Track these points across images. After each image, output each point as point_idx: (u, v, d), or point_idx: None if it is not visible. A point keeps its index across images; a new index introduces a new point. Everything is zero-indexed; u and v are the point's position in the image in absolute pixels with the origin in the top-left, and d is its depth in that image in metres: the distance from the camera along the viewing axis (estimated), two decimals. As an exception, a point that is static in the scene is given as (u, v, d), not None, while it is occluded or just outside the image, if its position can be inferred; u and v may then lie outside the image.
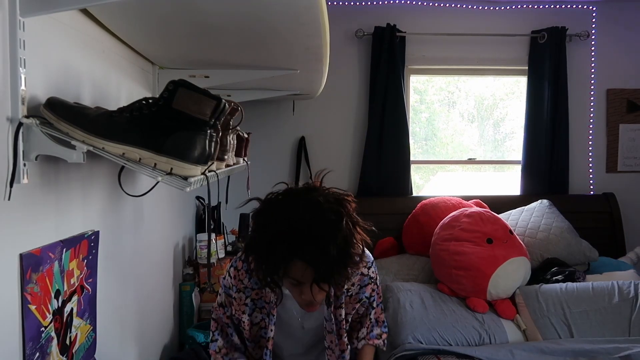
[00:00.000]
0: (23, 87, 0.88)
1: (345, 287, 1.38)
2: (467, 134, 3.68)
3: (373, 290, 1.47)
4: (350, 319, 1.46)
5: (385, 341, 1.55)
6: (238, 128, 1.54)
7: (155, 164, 0.94)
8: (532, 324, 2.32)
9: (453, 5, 3.23)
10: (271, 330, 1.39)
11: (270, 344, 1.40)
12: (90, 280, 1.20)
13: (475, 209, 2.68)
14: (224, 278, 1.44)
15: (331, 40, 1.62)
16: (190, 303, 2.29)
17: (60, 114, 0.92)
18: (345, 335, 1.44)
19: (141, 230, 1.71)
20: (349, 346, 1.45)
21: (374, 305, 1.50)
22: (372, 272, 1.45)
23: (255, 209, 1.25)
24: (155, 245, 1.92)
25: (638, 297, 2.33)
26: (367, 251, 1.41)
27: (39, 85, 0.96)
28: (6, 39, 0.85)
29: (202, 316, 2.38)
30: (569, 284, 2.47)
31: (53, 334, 1.02)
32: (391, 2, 3.21)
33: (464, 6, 3.24)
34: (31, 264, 0.92)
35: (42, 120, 0.91)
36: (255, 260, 1.24)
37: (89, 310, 1.21)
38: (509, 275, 2.43)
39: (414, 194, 3.27)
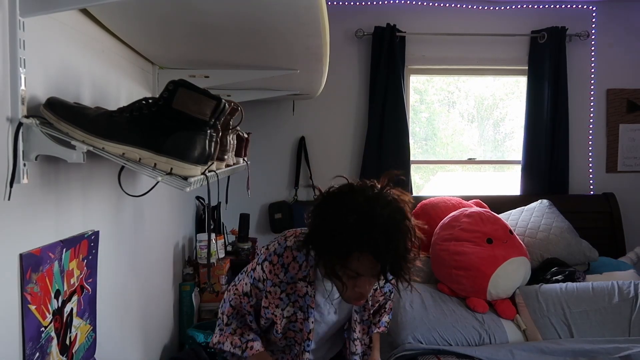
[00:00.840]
0: (23, 87, 0.88)
1: None
2: (467, 134, 3.68)
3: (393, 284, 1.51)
4: (372, 310, 1.54)
5: (388, 327, 1.65)
6: (238, 128, 1.54)
7: (155, 164, 0.94)
8: (532, 324, 2.32)
9: (453, 5, 3.24)
10: (312, 322, 1.42)
11: (312, 334, 1.43)
12: (90, 280, 1.20)
13: (475, 209, 2.68)
14: (254, 270, 1.44)
15: (331, 40, 1.62)
16: (190, 303, 2.29)
17: (60, 114, 0.92)
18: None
19: (141, 230, 1.71)
20: (367, 335, 1.54)
21: (391, 297, 1.60)
22: None
23: (316, 201, 1.28)
24: (155, 245, 1.92)
25: (638, 297, 2.33)
26: None
27: (39, 85, 0.96)
28: (6, 39, 0.85)
29: (202, 316, 2.38)
30: (569, 284, 2.47)
31: (53, 334, 1.02)
32: (391, 2, 3.21)
33: (464, 6, 3.24)
34: (31, 264, 0.92)
35: (42, 120, 0.91)
36: (319, 252, 1.26)
37: (89, 310, 1.21)
38: (509, 275, 2.43)
39: (414, 194, 3.27)
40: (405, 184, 3.16)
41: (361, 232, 1.16)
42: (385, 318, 1.63)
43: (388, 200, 1.21)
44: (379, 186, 1.26)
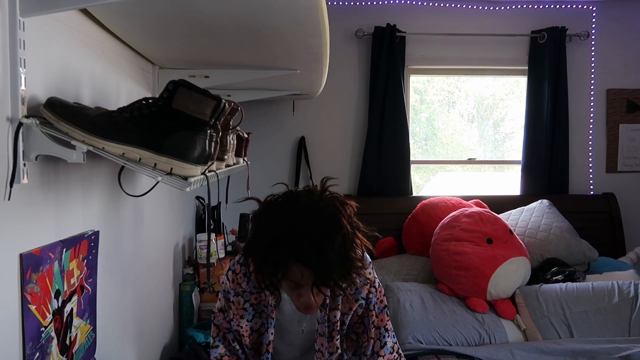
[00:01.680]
0: (23, 87, 0.88)
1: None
2: (467, 134, 3.68)
3: (370, 292, 1.42)
4: (347, 320, 1.42)
5: (400, 352, 1.49)
6: (238, 128, 1.54)
7: (155, 164, 0.94)
8: (532, 324, 2.32)
9: (453, 5, 3.24)
10: (271, 333, 1.38)
11: (271, 347, 1.39)
12: (90, 280, 1.20)
13: (475, 209, 2.68)
14: (223, 282, 1.42)
15: (331, 40, 1.62)
16: (190, 303, 2.29)
17: (60, 114, 0.92)
18: (338, 337, 1.40)
19: (141, 230, 1.71)
20: (338, 349, 1.41)
21: (372, 307, 1.43)
22: (369, 273, 1.40)
23: (254, 211, 1.24)
24: (155, 245, 1.92)
25: (638, 297, 2.33)
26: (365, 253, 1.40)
27: (39, 85, 0.96)
28: (6, 39, 0.85)
29: (202, 316, 2.38)
30: (569, 284, 2.47)
31: (53, 334, 1.02)
32: (391, 2, 3.21)
33: (464, 6, 3.24)
34: (31, 264, 0.92)
35: (42, 120, 0.91)
36: (254, 263, 1.23)
37: (89, 310, 1.21)
38: (509, 275, 2.43)
39: (414, 194, 3.27)
40: (403, 185, 3.16)
41: (290, 242, 1.12)
42: (390, 342, 1.44)
43: (320, 207, 1.16)
44: (317, 192, 1.20)
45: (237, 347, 1.43)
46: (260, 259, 1.19)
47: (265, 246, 1.16)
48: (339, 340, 1.40)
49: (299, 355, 1.50)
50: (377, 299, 1.44)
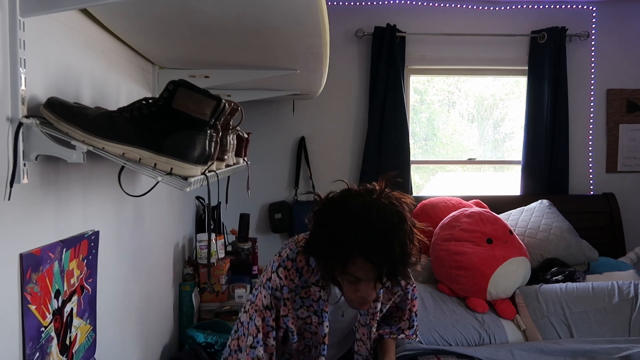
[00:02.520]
0: (23, 87, 0.88)
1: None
2: (467, 134, 3.68)
3: (408, 284, 1.51)
4: (385, 310, 1.52)
5: (417, 333, 1.62)
6: (238, 128, 1.54)
7: (155, 164, 0.94)
8: (532, 324, 2.32)
9: (453, 5, 3.24)
10: (326, 326, 1.42)
11: (327, 339, 1.43)
12: (90, 280, 1.20)
13: (475, 209, 2.68)
14: (269, 279, 1.40)
15: (331, 40, 1.62)
16: (190, 303, 2.29)
17: (60, 114, 0.92)
18: (375, 325, 1.49)
19: (141, 230, 1.71)
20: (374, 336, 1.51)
21: (410, 297, 1.55)
22: None
23: (316, 207, 1.29)
24: (155, 245, 1.92)
25: (638, 297, 2.33)
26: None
27: (39, 85, 0.96)
28: (6, 39, 0.85)
29: (202, 316, 2.38)
30: (569, 284, 2.47)
31: (53, 334, 1.02)
32: (391, 2, 3.21)
33: (464, 6, 3.24)
34: (31, 264, 0.92)
35: (42, 120, 0.91)
36: (316, 258, 1.27)
37: (89, 310, 1.21)
38: (509, 276, 2.43)
39: (414, 194, 3.27)
40: (403, 185, 3.17)
41: (356, 237, 1.17)
42: (416, 324, 1.58)
43: (385, 204, 1.21)
44: (378, 190, 1.26)
45: (273, 347, 1.41)
46: (323, 254, 1.24)
47: (329, 241, 1.21)
48: (374, 328, 1.50)
49: (336, 343, 1.56)
50: (413, 288, 1.55)
